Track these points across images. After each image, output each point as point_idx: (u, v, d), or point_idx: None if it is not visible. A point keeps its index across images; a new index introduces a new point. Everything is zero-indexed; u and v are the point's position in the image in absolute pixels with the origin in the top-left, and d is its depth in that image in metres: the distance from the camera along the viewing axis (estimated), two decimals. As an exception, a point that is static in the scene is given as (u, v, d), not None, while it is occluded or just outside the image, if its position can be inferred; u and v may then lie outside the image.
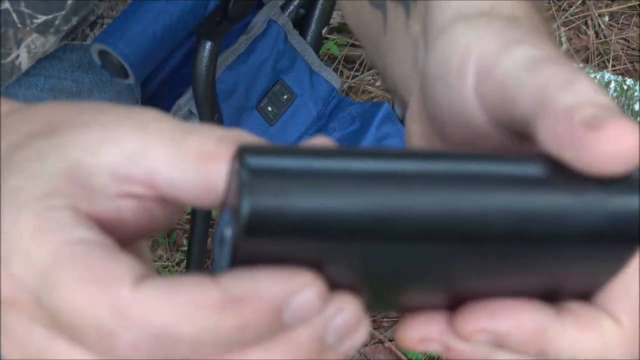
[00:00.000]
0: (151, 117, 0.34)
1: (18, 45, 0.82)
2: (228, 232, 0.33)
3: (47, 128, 0.35)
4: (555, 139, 0.33)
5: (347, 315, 0.34)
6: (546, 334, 0.36)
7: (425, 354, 1.49)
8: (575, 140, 0.32)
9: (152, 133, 0.33)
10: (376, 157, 0.33)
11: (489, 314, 0.36)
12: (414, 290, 0.36)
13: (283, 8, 1.15)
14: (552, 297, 0.37)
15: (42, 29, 0.82)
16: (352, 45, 1.94)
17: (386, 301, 0.38)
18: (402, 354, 1.51)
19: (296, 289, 0.32)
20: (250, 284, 0.32)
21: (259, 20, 1.12)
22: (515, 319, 0.36)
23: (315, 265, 0.33)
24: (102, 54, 0.88)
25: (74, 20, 0.84)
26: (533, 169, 0.33)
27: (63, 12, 0.82)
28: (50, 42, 0.85)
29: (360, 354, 1.51)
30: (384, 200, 0.33)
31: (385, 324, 1.55)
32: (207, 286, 0.31)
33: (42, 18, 0.81)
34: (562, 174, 0.33)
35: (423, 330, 0.37)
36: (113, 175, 0.33)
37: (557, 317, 0.36)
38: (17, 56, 0.83)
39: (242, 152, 0.32)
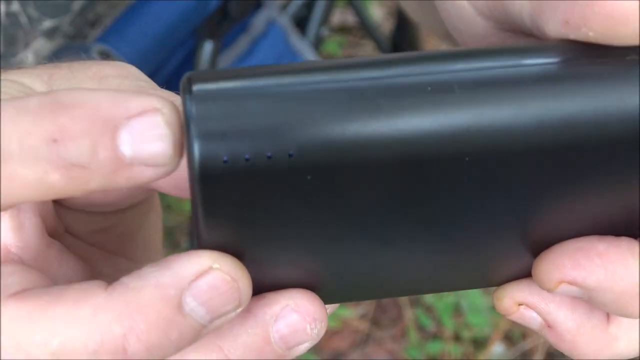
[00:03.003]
0: None
1: (26, 47, 0.82)
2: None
3: None
4: (564, 22, 0.28)
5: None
6: None
7: (426, 354, 1.49)
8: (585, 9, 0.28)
9: None
10: (349, 67, 0.27)
11: (573, 260, 0.29)
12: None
13: (284, 8, 1.15)
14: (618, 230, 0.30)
15: (50, 34, 0.82)
16: (352, 45, 1.94)
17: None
18: (403, 354, 1.51)
19: None
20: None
21: (259, 21, 1.12)
22: (609, 269, 0.29)
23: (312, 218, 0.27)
24: (103, 53, 0.88)
25: (79, 22, 0.85)
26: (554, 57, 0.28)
27: (69, 15, 0.82)
28: (56, 43, 0.85)
29: (361, 354, 1.51)
30: (383, 119, 0.26)
31: (385, 324, 1.55)
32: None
33: (48, 22, 0.81)
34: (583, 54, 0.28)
35: (521, 292, 0.32)
36: None
37: None
38: (26, 58, 0.83)
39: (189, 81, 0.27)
